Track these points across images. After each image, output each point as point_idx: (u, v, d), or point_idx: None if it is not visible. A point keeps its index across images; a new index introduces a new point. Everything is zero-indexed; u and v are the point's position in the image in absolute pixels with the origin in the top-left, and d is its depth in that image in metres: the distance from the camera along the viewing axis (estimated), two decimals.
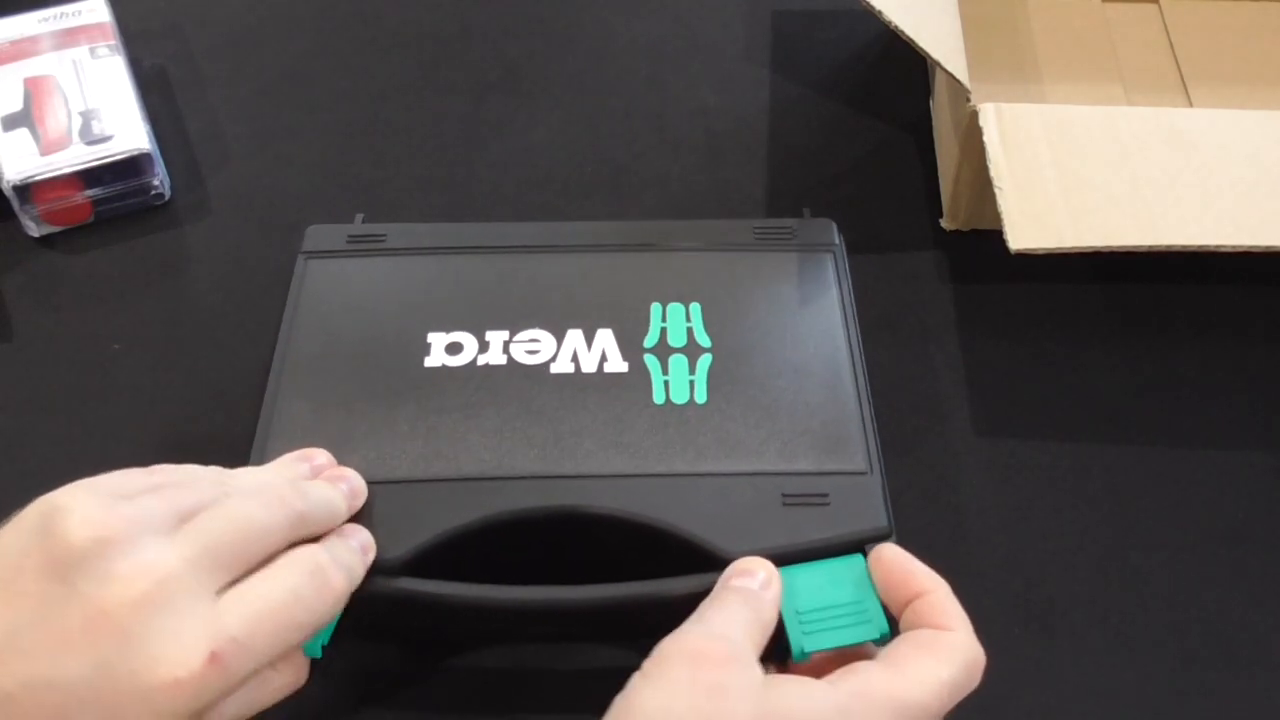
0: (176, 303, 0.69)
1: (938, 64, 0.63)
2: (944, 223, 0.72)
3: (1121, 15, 0.83)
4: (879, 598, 0.48)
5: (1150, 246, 0.60)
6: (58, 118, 0.72)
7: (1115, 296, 0.70)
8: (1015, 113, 0.65)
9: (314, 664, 0.47)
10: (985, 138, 0.63)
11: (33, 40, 0.76)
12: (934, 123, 0.76)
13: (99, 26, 0.77)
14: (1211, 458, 0.63)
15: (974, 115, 0.64)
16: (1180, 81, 0.79)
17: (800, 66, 0.82)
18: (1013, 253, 0.59)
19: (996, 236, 0.60)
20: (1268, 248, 0.60)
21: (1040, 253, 0.60)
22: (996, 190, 0.61)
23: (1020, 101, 0.65)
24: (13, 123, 0.71)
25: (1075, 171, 0.63)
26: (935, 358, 0.67)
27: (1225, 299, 0.69)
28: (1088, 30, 0.82)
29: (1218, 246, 0.60)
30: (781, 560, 0.49)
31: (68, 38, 0.76)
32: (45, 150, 0.70)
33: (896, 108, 0.79)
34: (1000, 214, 0.60)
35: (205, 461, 0.61)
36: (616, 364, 0.57)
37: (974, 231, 0.60)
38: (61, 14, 0.77)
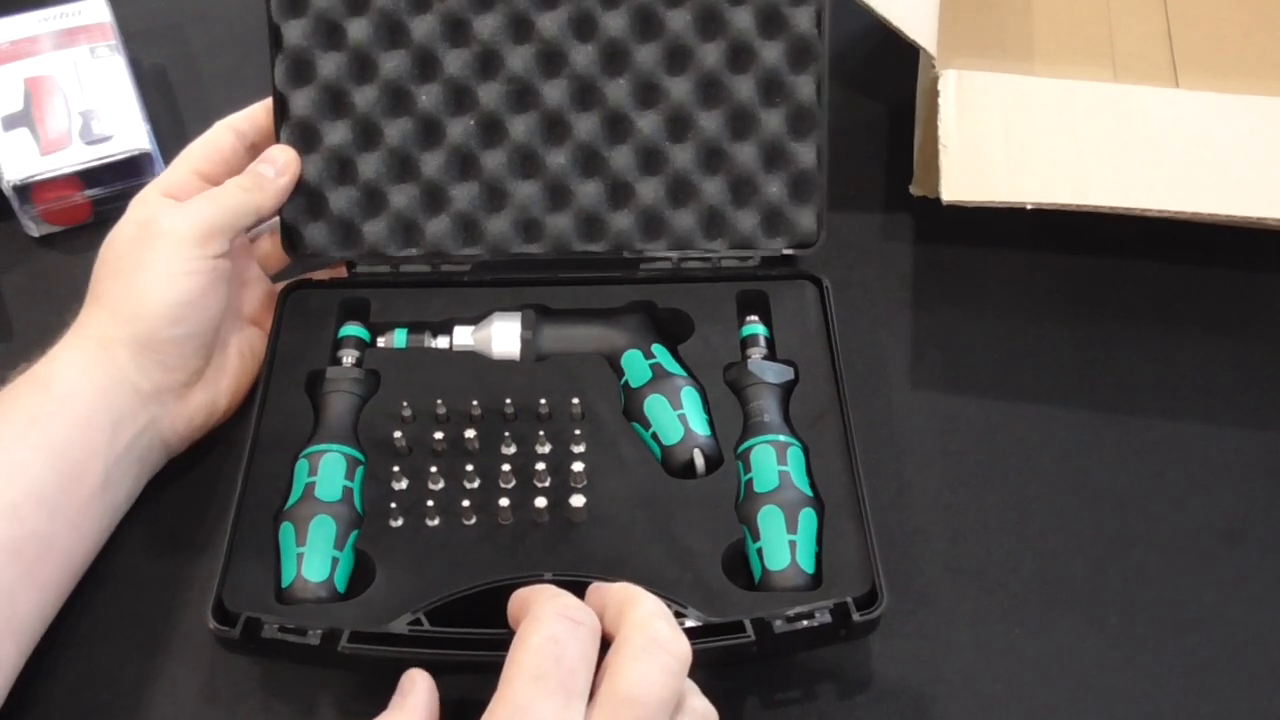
0: None
1: (899, 30, 0.65)
2: (912, 188, 0.73)
3: (1125, 4, 0.84)
4: None
5: (1079, 205, 0.62)
6: (58, 118, 0.72)
7: (1069, 269, 0.71)
8: (976, 80, 0.66)
9: None
10: (940, 100, 0.65)
11: (33, 40, 0.76)
12: (917, 98, 0.78)
13: (99, 26, 0.77)
14: (1136, 427, 0.64)
15: (935, 80, 0.66)
16: (1172, 70, 0.80)
17: None
18: (945, 204, 0.62)
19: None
20: (1193, 214, 0.62)
21: (970, 205, 0.62)
22: (942, 148, 0.63)
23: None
24: (13, 123, 0.71)
25: (1022, 136, 0.65)
26: (883, 311, 0.69)
27: (1187, 280, 0.70)
28: (1088, 17, 0.83)
29: (1144, 210, 0.62)
30: None
31: (68, 38, 0.76)
32: (45, 150, 0.70)
33: (892, 88, 0.79)
34: (940, 169, 0.62)
35: (201, 460, 0.61)
36: None
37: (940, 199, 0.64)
38: (61, 14, 0.77)
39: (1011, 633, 0.56)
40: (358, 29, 0.62)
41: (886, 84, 0.80)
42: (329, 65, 0.62)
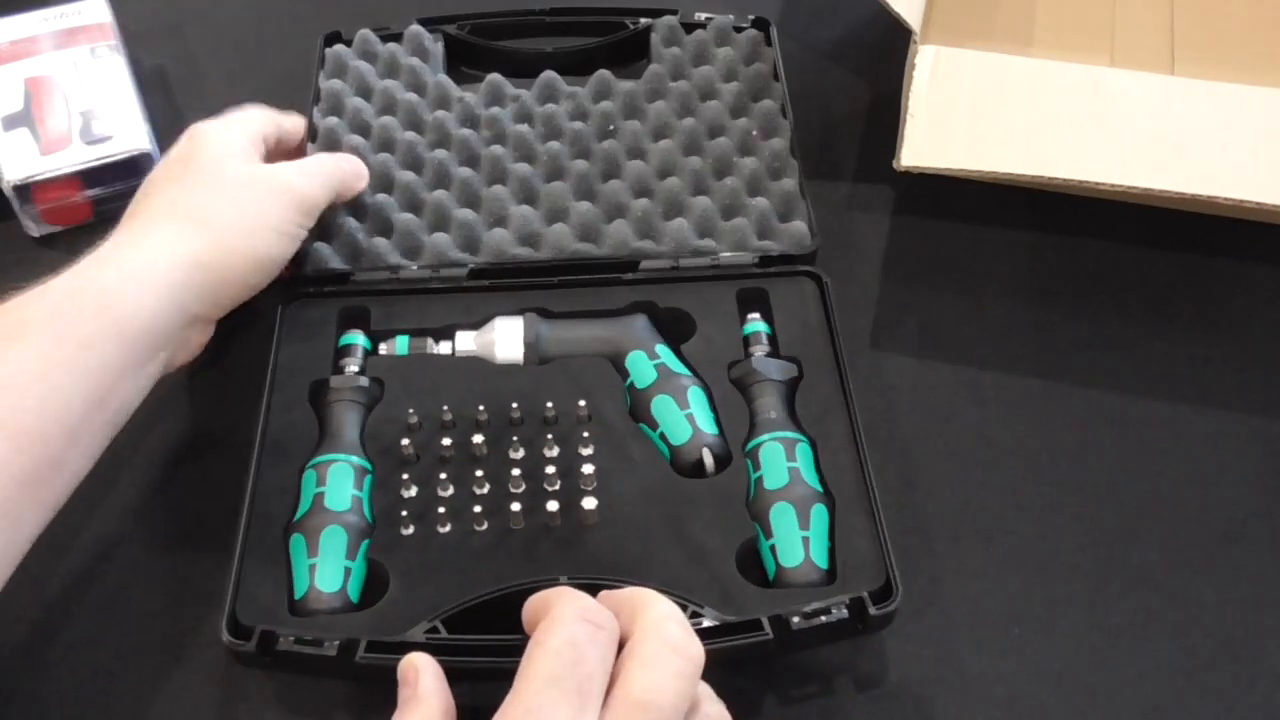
0: None
1: (885, 3, 0.66)
2: (895, 163, 0.73)
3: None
4: None
5: (1032, 176, 0.64)
6: (58, 118, 0.72)
7: (1045, 250, 0.71)
8: (953, 56, 0.67)
9: None
10: (915, 72, 0.66)
11: (33, 40, 0.76)
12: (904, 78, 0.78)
13: (99, 26, 0.77)
14: (1137, 427, 0.64)
15: (914, 54, 0.67)
16: (1170, 62, 0.79)
17: (809, 35, 0.85)
18: (900, 169, 0.64)
19: (940, 178, 0.65)
20: (1144, 190, 0.62)
21: (927, 171, 0.64)
22: (910, 117, 0.65)
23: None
24: (13, 123, 0.71)
25: (987, 109, 0.66)
26: (851, 275, 0.70)
27: (1187, 275, 0.70)
28: (1092, 9, 0.83)
29: (1096, 184, 0.63)
30: None
31: (68, 38, 0.76)
32: (45, 150, 0.70)
33: (892, 75, 0.80)
34: (904, 136, 0.64)
35: (206, 473, 0.61)
36: None
37: (925, 176, 0.66)
38: (61, 14, 0.77)
39: (1011, 632, 0.56)
40: (381, 122, 0.71)
41: (888, 71, 0.80)
42: (354, 140, 0.69)
